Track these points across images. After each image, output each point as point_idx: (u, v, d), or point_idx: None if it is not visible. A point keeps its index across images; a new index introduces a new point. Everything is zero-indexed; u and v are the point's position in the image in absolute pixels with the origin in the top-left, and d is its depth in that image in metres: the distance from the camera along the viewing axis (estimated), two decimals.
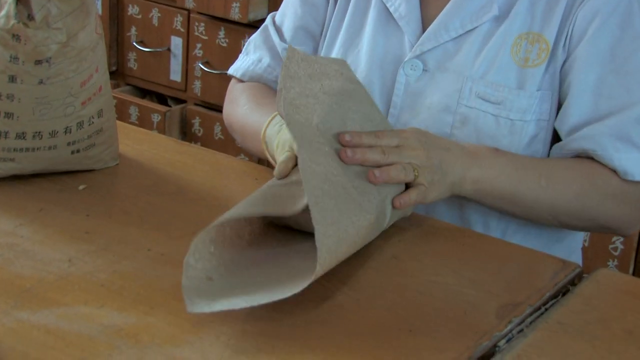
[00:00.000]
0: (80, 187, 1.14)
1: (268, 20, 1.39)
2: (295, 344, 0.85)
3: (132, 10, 2.68)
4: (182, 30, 2.60)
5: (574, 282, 1.01)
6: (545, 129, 1.21)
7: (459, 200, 1.21)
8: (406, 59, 1.24)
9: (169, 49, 2.64)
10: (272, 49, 1.36)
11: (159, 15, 2.63)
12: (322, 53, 1.34)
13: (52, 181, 1.14)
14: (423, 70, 1.24)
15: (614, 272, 1.10)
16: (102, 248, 0.99)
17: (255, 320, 0.88)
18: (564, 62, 1.20)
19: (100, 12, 2.68)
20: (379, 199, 1.02)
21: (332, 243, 0.91)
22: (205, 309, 0.85)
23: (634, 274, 2.08)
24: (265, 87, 1.35)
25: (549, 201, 1.14)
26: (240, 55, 1.42)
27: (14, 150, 1.10)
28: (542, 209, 1.15)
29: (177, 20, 2.60)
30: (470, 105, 1.21)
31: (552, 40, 1.19)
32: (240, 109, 1.31)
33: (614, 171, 1.15)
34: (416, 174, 1.07)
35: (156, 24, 2.65)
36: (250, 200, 0.98)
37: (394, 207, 1.05)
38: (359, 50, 1.29)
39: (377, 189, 1.03)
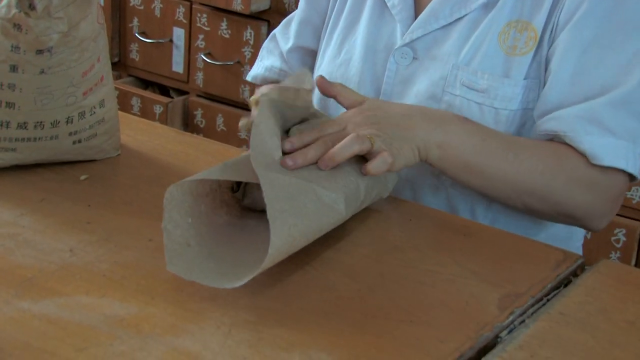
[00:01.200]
0: (82, 177, 1.14)
1: (279, 25, 1.45)
2: (297, 334, 0.85)
3: (134, 1, 2.68)
4: (184, 21, 2.59)
5: (576, 273, 1.01)
6: (532, 118, 1.21)
7: (446, 188, 1.21)
8: (396, 47, 1.25)
9: (171, 40, 2.63)
10: (281, 55, 1.42)
11: (161, 6, 2.63)
12: (323, 43, 1.36)
13: (53, 171, 1.14)
14: (413, 58, 1.25)
15: (616, 263, 1.10)
16: (104, 238, 0.99)
17: (257, 310, 0.88)
18: (549, 49, 1.19)
19: (102, 3, 2.68)
20: (342, 178, 1.01)
21: (289, 217, 0.91)
22: (182, 274, 0.90)
23: (636, 265, 2.08)
24: None
25: (514, 177, 1.12)
26: (256, 61, 1.47)
27: (16, 140, 1.10)
28: (506, 184, 1.12)
29: (179, 12, 2.60)
30: (455, 93, 1.21)
31: (540, 29, 1.19)
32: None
33: (584, 156, 1.12)
34: (372, 141, 1.04)
35: (158, 15, 2.65)
36: (223, 165, 0.99)
37: (364, 174, 1.03)
38: (355, 39, 1.31)
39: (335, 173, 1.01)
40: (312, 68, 1.38)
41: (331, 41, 1.34)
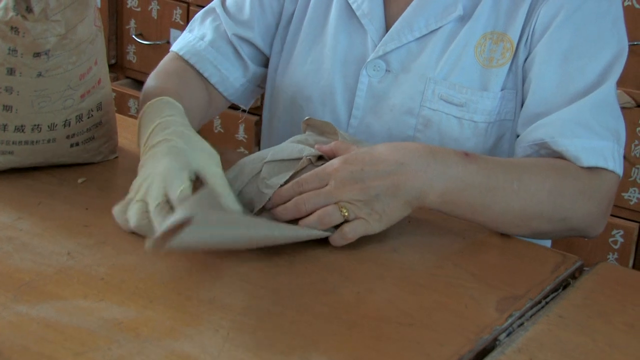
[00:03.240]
0: (80, 181, 1.13)
1: (216, 1, 1.36)
2: (295, 337, 0.85)
3: (132, 3, 2.68)
4: (181, 23, 2.59)
5: (574, 276, 1.01)
6: (510, 129, 1.20)
7: None
8: (369, 60, 1.23)
9: (168, 42, 2.63)
10: (217, 28, 1.33)
11: (158, 8, 2.63)
12: (287, 44, 1.31)
13: (51, 174, 1.14)
14: (386, 71, 1.22)
15: (615, 265, 1.10)
16: (101, 241, 0.99)
17: (255, 313, 0.88)
18: (526, 58, 1.18)
19: (99, 5, 2.68)
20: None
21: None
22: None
23: (634, 267, 2.08)
24: (185, 68, 1.32)
25: (522, 206, 1.06)
26: (183, 32, 1.38)
27: (13, 143, 1.10)
28: (515, 215, 1.06)
29: (176, 13, 2.60)
30: (433, 107, 1.19)
31: (516, 39, 1.17)
32: (150, 80, 1.29)
33: (575, 160, 1.10)
34: (345, 212, 0.99)
35: (155, 17, 2.64)
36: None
37: (332, 243, 1.00)
38: (322, 47, 1.27)
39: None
40: (253, 58, 1.33)
41: (294, 47, 1.30)
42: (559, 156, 1.12)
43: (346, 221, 1.00)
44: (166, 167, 1.00)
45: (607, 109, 1.13)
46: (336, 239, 1.01)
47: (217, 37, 1.33)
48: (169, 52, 1.38)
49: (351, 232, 1.00)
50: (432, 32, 1.21)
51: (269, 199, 1.03)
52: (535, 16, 1.16)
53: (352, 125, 1.25)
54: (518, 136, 1.19)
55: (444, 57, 1.20)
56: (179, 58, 1.34)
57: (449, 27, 1.20)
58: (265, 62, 1.37)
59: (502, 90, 1.18)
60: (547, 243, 1.29)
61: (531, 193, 1.06)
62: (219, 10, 1.34)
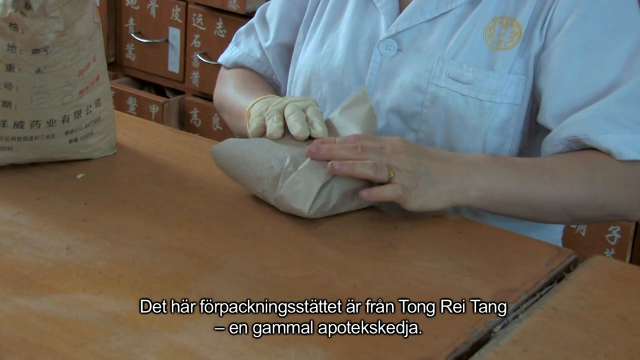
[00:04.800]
0: (78, 176, 1.14)
1: (257, 16, 1.45)
2: (292, 330, 0.86)
3: (130, 1, 2.68)
4: (180, 21, 2.60)
5: (569, 269, 1.02)
6: (517, 114, 1.22)
7: None
8: (381, 39, 1.27)
9: (167, 40, 2.64)
10: (260, 47, 1.42)
11: (157, 6, 2.63)
12: (304, 37, 1.37)
13: (50, 170, 1.15)
14: (397, 50, 1.26)
15: (609, 258, 1.11)
16: (100, 236, 1.00)
17: (252, 306, 0.89)
18: (541, 49, 1.20)
19: (98, 3, 2.68)
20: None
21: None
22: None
23: (630, 262, 2.09)
24: (252, 72, 1.42)
25: (557, 195, 1.12)
26: (229, 45, 1.47)
27: (12, 139, 1.11)
28: (552, 204, 1.13)
29: (175, 11, 2.60)
30: (441, 84, 1.23)
31: (525, 24, 1.20)
32: (230, 89, 1.37)
33: (609, 154, 1.14)
34: (391, 174, 1.05)
35: (154, 15, 2.65)
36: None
37: (362, 198, 1.04)
38: (338, 32, 1.32)
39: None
40: (288, 62, 1.40)
41: (313, 35, 1.35)
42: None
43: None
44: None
45: (636, 101, 1.16)
46: (371, 192, 1.04)
47: (261, 53, 1.42)
48: (218, 65, 1.48)
49: (388, 191, 1.04)
50: (442, 14, 1.24)
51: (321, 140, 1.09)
52: (552, 5, 1.19)
53: None
54: (528, 127, 1.23)
55: (453, 37, 1.23)
56: (242, 75, 1.42)
57: (459, 10, 1.24)
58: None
59: (509, 73, 1.21)
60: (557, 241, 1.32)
61: (564, 183, 1.12)
62: (257, 26, 1.43)
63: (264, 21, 1.43)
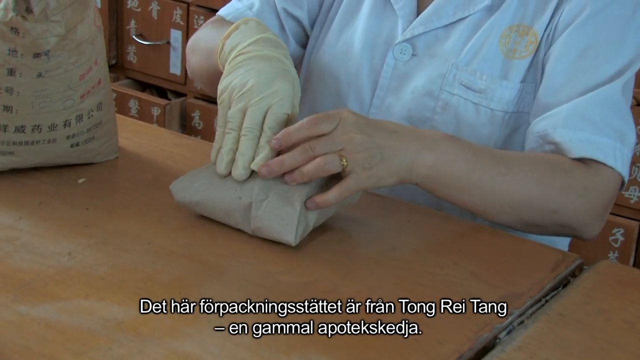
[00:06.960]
0: (80, 181, 1.14)
1: None
2: (296, 337, 0.85)
3: (132, 3, 2.68)
4: (181, 23, 2.59)
5: (574, 274, 1.01)
6: (527, 122, 1.20)
7: None
8: (396, 42, 1.26)
9: (168, 42, 2.63)
10: (267, 0, 1.35)
11: (159, 8, 2.63)
12: (325, 27, 1.34)
13: (51, 175, 1.14)
14: (412, 54, 1.25)
15: (615, 263, 1.10)
16: (102, 241, 0.99)
17: (255, 311, 0.88)
18: (546, 53, 1.19)
19: (99, 5, 2.68)
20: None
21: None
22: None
23: (634, 265, 2.08)
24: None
25: (508, 190, 1.07)
26: (232, 1, 1.39)
27: (13, 143, 1.10)
28: (502, 198, 1.08)
29: (176, 14, 2.60)
30: (453, 92, 1.22)
31: (540, 33, 1.19)
32: (207, 30, 1.31)
33: (577, 162, 1.11)
34: (344, 163, 1.01)
35: (156, 18, 2.64)
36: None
37: (307, 208, 1.01)
38: (354, 30, 1.31)
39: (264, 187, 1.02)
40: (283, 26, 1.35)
41: (330, 28, 1.33)
42: (559, 148, 1.13)
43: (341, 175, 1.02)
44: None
45: (614, 108, 1.14)
46: (317, 201, 1.01)
47: (266, 8, 1.35)
48: (213, 16, 1.39)
49: (332, 197, 1.01)
50: (459, 20, 1.23)
51: (275, 140, 1.03)
52: (560, 11, 1.18)
53: (375, 105, 1.28)
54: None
55: (469, 44, 1.22)
56: (225, 21, 1.34)
57: (476, 17, 1.23)
58: (305, 44, 1.39)
59: (522, 82, 1.20)
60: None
61: (519, 179, 1.08)
62: None
63: None
